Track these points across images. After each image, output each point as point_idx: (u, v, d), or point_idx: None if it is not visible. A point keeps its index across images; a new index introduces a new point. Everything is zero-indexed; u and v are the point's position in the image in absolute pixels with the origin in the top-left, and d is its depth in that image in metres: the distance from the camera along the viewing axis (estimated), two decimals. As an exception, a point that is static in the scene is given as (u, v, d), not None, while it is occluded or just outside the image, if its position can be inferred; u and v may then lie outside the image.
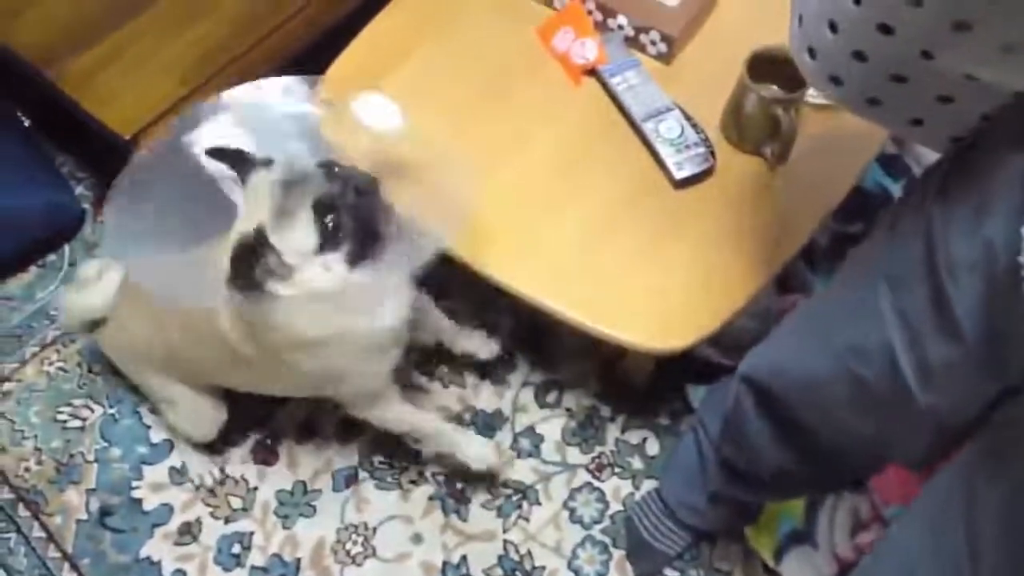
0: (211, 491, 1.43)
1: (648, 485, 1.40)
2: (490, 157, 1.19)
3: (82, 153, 1.76)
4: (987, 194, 0.65)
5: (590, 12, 1.29)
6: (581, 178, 1.19)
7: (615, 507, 1.40)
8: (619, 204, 1.17)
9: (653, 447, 1.44)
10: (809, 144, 1.16)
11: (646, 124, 1.20)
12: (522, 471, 1.42)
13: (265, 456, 1.46)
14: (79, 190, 1.73)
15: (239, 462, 1.45)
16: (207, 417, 1.36)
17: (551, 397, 1.49)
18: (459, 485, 1.41)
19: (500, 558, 1.36)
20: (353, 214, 0.98)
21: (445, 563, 1.36)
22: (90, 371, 1.53)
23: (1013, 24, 0.58)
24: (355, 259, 0.99)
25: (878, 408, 0.82)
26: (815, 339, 0.90)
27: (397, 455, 1.43)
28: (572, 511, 1.40)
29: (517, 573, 1.35)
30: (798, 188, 1.17)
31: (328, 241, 0.98)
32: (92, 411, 1.50)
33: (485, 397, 1.49)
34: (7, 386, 1.52)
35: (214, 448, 1.44)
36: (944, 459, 0.77)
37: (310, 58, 1.39)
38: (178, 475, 1.44)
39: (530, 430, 1.46)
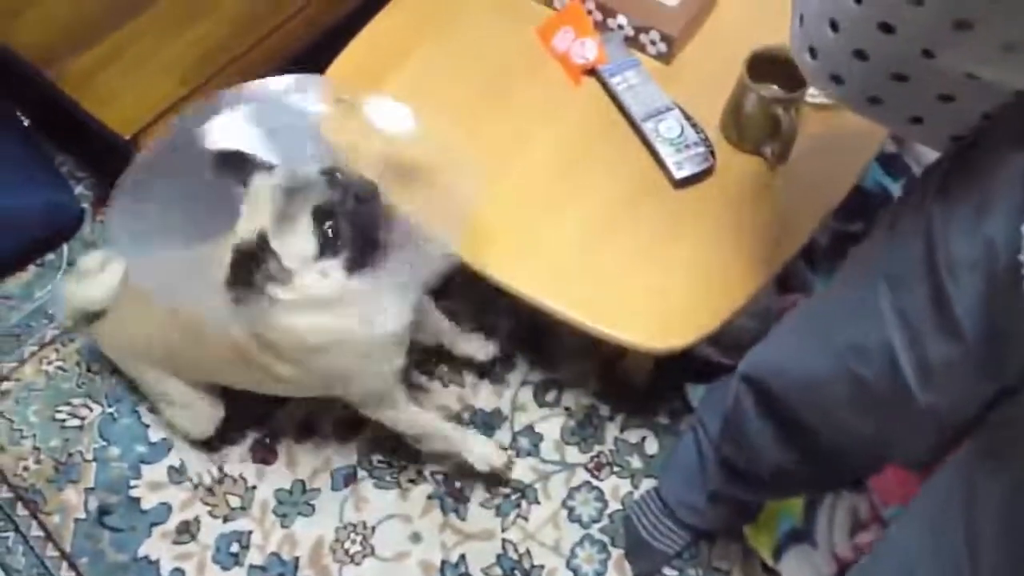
0: (209, 490, 1.43)
1: (647, 484, 1.40)
2: (490, 157, 1.19)
3: (82, 153, 1.76)
4: (988, 193, 0.65)
5: (590, 12, 1.30)
6: (581, 178, 1.19)
7: (614, 506, 1.40)
8: (619, 204, 1.17)
9: (652, 446, 1.44)
10: (809, 144, 1.16)
11: (646, 124, 1.20)
12: (521, 470, 1.42)
13: (264, 455, 1.46)
14: (79, 190, 1.73)
15: (238, 461, 1.45)
16: (205, 414, 1.36)
17: (550, 396, 1.49)
18: (458, 484, 1.41)
19: (499, 557, 1.36)
20: (352, 221, 0.99)
21: (444, 562, 1.36)
22: (89, 370, 1.53)
23: (1014, 23, 0.58)
24: (353, 266, 1.00)
25: (878, 407, 0.82)
26: (815, 338, 0.90)
27: (396, 454, 1.43)
28: (571, 510, 1.40)
29: (516, 572, 1.35)
30: (798, 188, 1.17)
31: (326, 248, 0.99)
32: (91, 410, 1.50)
33: (484, 396, 1.49)
34: (6, 385, 1.52)
35: (212, 447, 1.44)
36: (943, 459, 0.78)
37: (310, 58, 1.39)
38: (176, 474, 1.44)
39: (529, 429, 1.46)
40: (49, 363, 1.54)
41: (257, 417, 1.47)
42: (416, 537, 1.38)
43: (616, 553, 1.36)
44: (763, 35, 1.11)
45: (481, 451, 1.33)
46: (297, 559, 1.37)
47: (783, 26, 0.76)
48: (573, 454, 1.44)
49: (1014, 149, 0.64)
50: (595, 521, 1.39)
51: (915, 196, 0.76)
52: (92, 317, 1.35)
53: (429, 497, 1.41)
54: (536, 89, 1.27)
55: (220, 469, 1.44)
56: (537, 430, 1.46)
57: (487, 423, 1.46)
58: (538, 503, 1.40)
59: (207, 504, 1.42)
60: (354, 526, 1.39)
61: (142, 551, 1.38)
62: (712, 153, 1.18)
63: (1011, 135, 0.65)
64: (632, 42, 1.29)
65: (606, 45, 1.27)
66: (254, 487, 1.43)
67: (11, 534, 1.40)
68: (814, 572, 1.30)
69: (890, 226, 0.79)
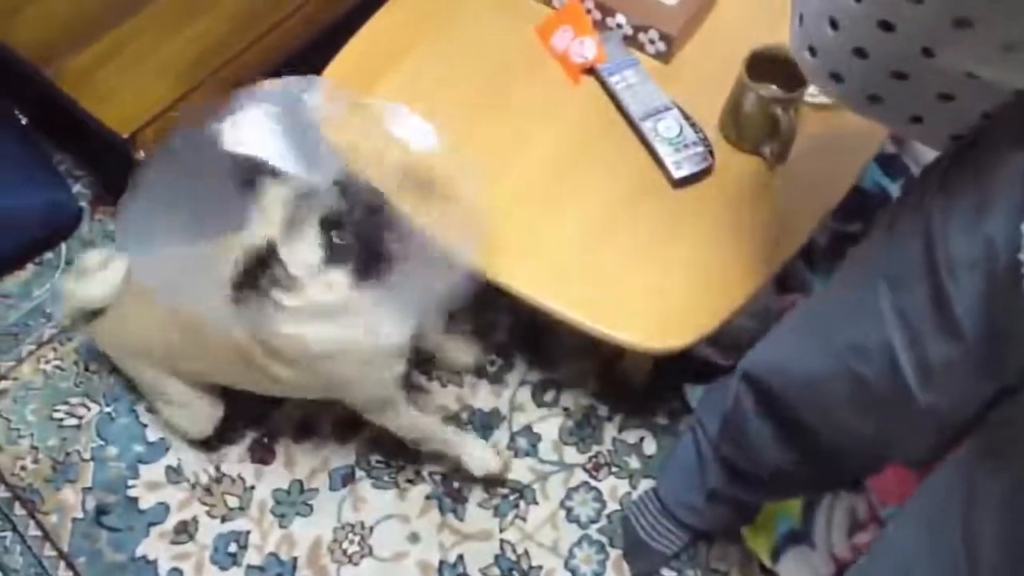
0: (207, 490, 1.43)
1: (645, 484, 1.40)
2: (489, 156, 1.19)
3: (80, 151, 1.76)
4: (988, 192, 0.65)
5: (589, 11, 1.29)
6: (580, 178, 1.19)
7: (612, 506, 1.40)
8: (618, 204, 1.17)
9: (650, 446, 1.44)
10: (808, 144, 1.16)
11: (645, 123, 1.20)
12: (519, 470, 1.42)
13: (262, 455, 1.45)
14: (77, 188, 1.73)
15: (236, 461, 1.45)
16: (203, 414, 1.35)
17: (549, 396, 1.49)
18: (456, 484, 1.41)
19: (497, 557, 1.36)
20: (359, 232, 1.00)
21: (442, 562, 1.36)
22: (87, 369, 1.53)
23: (1014, 22, 0.58)
24: (359, 276, 1.00)
25: (878, 407, 0.82)
26: (815, 338, 0.90)
27: (394, 454, 1.42)
28: (569, 510, 1.40)
29: (514, 572, 1.35)
30: (797, 188, 1.17)
31: (332, 257, 0.99)
32: (88, 409, 1.49)
33: (483, 396, 1.49)
34: (3, 384, 1.52)
35: (210, 447, 1.44)
36: (943, 458, 0.78)
37: (309, 56, 1.39)
38: (174, 474, 1.44)
39: (527, 429, 1.46)
40: (47, 362, 1.54)
41: (255, 417, 1.47)
42: (414, 537, 1.38)
43: (614, 553, 1.36)
44: (762, 34, 1.11)
45: (480, 456, 1.33)
46: (295, 559, 1.37)
47: (782, 25, 0.76)
48: (571, 454, 1.44)
49: (1014, 148, 0.64)
50: (593, 521, 1.39)
51: (914, 196, 0.76)
52: (91, 316, 1.34)
53: (427, 497, 1.41)
54: (535, 88, 1.26)
55: (218, 469, 1.44)
56: (535, 430, 1.46)
57: (485, 423, 1.46)
58: (536, 503, 1.40)
59: (205, 504, 1.41)
60: (352, 526, 1.39)
61: (140, 551, 1.38)
62: (711, 153, 1.17)
63: (1011, 134, 0.65)
64: (631, 41, 1.29)
65: (605, 44, 1.27)
66: (252, 487, 1.43)
67: (9, 534, 1.39)
68: (812, 573, 1.30)
69: (889, 226, 0.79)
